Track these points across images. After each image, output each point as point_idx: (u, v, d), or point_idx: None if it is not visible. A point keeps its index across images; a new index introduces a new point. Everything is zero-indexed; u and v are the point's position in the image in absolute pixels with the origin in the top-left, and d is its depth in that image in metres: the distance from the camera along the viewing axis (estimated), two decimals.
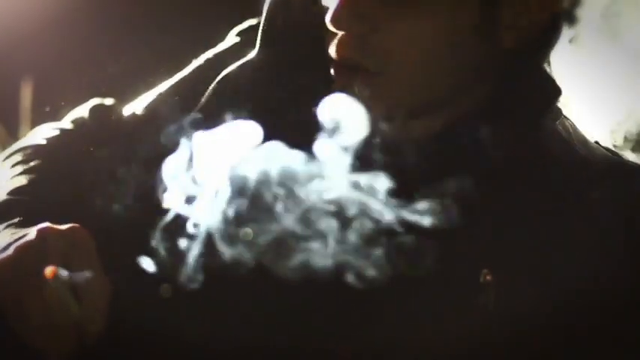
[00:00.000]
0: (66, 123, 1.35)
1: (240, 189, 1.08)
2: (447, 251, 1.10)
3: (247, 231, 1.09)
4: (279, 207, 1.08)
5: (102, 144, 1.29)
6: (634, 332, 1.17)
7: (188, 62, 1.35)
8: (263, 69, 1.24)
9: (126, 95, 1.37)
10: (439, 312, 1.14)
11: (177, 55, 1.37)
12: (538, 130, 1.20)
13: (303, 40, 1.19)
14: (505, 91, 1.19)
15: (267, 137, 1.09)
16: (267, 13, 1.26)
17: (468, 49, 1.15)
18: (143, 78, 1.38)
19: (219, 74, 1.27)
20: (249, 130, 1.09)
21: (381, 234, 1.07)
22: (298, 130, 1.08)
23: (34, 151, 1.30)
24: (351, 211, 1.07)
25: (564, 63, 1.22)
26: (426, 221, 1.07)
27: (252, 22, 1.34)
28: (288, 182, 1.07)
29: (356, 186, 1.07)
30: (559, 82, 1.22)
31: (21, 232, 1.13)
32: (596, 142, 1.27)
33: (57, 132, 1.34)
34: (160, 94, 1.32)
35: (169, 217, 1.10)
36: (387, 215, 1.06)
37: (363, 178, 1.07)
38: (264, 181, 1.08)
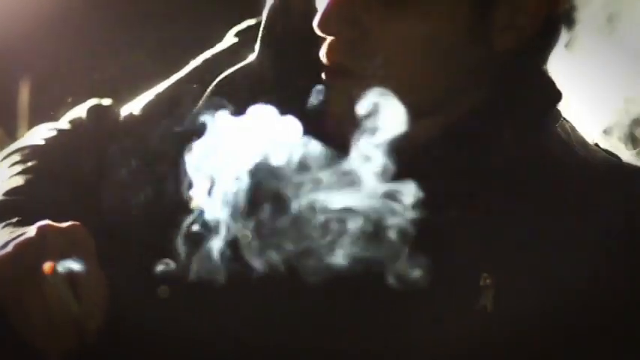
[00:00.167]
0: (63, 123, 1.35)
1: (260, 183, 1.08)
2: (447, 252, 1.10)
3: (245, 233, 1.10)
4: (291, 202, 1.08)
5: (100, 144, 1.29)
6: (634, 333, 1.16)
7: (186, 63, 1.35)
8: (262, 73, 1.24)
9: (124, 95, 1.37)
10: (440, 313, 1.14)
11: (176, 56, 1.37)
12: (538, 132, 1.20)
13: (302, 46, 1.19)
14: (503, 94, 1.19)
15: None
16: (266, 19, 1.25)
17: (460, 53, 1.15)
18: (141, 78, 1.38)
19: (217, 75, 1.26)
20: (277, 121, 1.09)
21: (383, 234, 1.07)
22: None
23: (32, 152, 1.30)
24: (360, 213, 1.07)
25: (560, 61, 1.21)
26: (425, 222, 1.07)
27: (251, 22, 1.34)
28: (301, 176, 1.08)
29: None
30: (557, 80, 1.22)
31: (20, 230, 1.13)
32: (596, 144, 1.27)
33: (55, 132, 1.34)
34: (158, 95, 1.32)
35: (193, 214, 1.10)
36: (390, 217, 1.06)
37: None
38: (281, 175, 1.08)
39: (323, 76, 1.17)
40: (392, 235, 1.06)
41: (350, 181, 1.06)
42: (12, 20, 2.30)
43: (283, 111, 1.09)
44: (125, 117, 1.32)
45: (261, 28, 1.25)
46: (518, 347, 1.14)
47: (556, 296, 1.14)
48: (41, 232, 1.10)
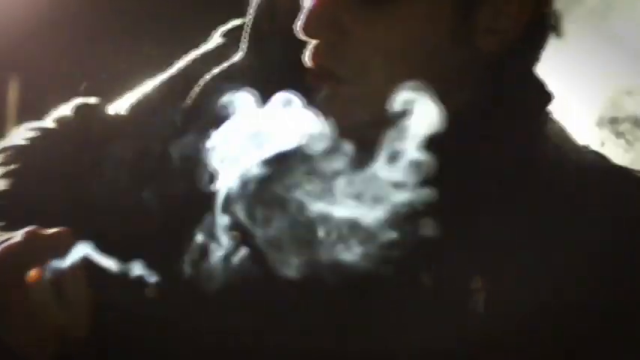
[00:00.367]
0: (49, 122, 1.34)
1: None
2: (439, 256, 1.10)
3: (234, 233, 1.10)
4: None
5: (87, 143, 1.28)
6: (624, 336, 1.16)
7: (173, 62, 1.34)
8: (248, 72, 1.23)
9: (112, 95, 1.36)
10: (433, 315, 1.14)
11: (163, 56, 1.36)
12: (527, 134, 1.19)
13: (288, 45, 1.18)
14: (491, 96, 1.18)
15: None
16: (253, 18, 1.25)
17: (444, 55, 1.14)
18: (129, 77, 1.37)
19: (203, 75, 1.26)
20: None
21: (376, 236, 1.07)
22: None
23: (16, 153, 1.30)
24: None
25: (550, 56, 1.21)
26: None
27: (237, 22, 1.33)
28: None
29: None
30: (547, 79, 1.21)
31: (5, 235, 1.12)
32: (585, 146, 1.26)
33: (40, 132, 1.32)
34: (145, 95, 1.32)
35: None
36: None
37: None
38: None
39: (308, 78, 1.16)
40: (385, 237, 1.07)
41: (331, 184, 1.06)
42: (1, 20, 2.29)
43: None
44: (112, 116, 1.32)
45: (246, 28, 1.24)
46: (510, 349, 1.14)
47: (547, 299, 1.14)
48: (28, 237, 1.09)
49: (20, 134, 1.34)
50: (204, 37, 1.36)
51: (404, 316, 1.14)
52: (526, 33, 1.16)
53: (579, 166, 1.21)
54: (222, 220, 1.09)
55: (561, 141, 1.23)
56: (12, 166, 1.27)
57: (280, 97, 1.09)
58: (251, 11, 1.25)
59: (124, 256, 1.12)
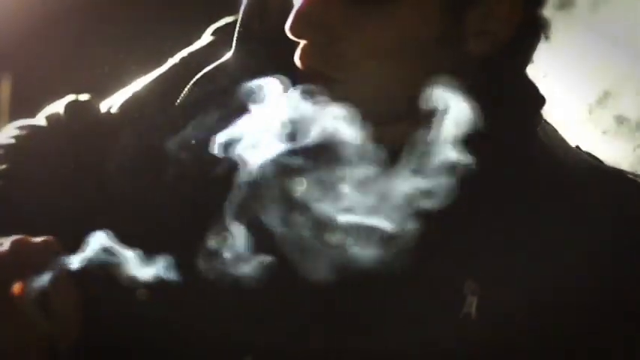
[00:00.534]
0: (40, 120, 1.34)
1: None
2: (430, 259, 1.10)
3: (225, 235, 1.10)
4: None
5: (77, 141, 1.28)
6: (619, 339, 1.17)
7: (165, 60, 1.34)
8: (239, 71, 1.23)
9: (103, 92, 1.36)
10: (425, 319, 1.14)
11: (155, 53, 1.36)
12: (521, 135, 1.19)
13: (279, 43, 1.17)
14: (484, 98, 1.18)
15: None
16: (243, 16, 1.24)
17: (435, 56, 1.13)
18: (121, 75, 1.37)
19: (195, 73, 1.26)
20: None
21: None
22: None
23: (5, 153, 1.28)
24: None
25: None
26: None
27: (229, 19, 1.33)
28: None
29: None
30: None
31: None
32: (577, 147, 1.26)
33: (29, 130, 1.32)
34: (136, 93, 1.31)
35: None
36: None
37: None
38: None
39: (298, 79, 1.15)
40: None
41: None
42: None
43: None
44: (104, 114, 1.31)
45: (237, 26, 1.24)
46: (508, 351, 1.14)
47: (539, 301, 1.13)
48: (13, 247, 1.08)
49: (8, 132, 1.33)
50: (198, 34, 1.36)
51: (404, 317, 1.14)
52: (517, 34, 1.15)
53: (572, 168, 1.21)
54: (238, 216, 1.10)
55: (554, 142, 1.23)
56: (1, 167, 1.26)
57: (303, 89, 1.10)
58: (241, 10, 1.25)
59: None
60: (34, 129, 1.32)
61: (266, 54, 1.22)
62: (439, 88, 1.11)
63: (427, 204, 1.07)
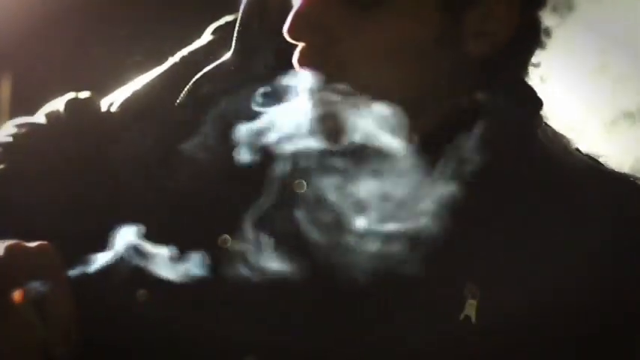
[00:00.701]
0: (39, 117, 1.33)
1: None
2: (430, 261, 1.09)
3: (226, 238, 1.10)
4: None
5: (77, 139, 1.28)
6: (618, 339, 1.17)
7: (165, 59, 1.34)
8: (238, 70, 1.23)
9: (104, 90, 1.36)
10: (425, 321, 1.14)
11: (155, 53, 1.36)
12: (519, 138, 1.19)
13: (278, 43, 1.17)
14: (484, 99, 1.18)
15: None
16: (242, 16, 1.24)
17: (434, 58, 1.13)
18: (121, 74, 1.37)
19: (195, 72, 1.26)
20: None
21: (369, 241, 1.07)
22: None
23: (3, 151, 1.28)
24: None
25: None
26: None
27: (229, 18, 1.33)
28: None
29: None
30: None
31: None
32: (577, 149, 1.26)
33: (28, 128, 1.31)
34: (136, 91, 1.31)
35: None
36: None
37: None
38: None
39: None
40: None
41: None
42: None
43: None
44: (104, 112, 1.31)
45: (237, 25, 1.24)
46: (504, 356, 1.14)
47: (541, 304, 1.13)
48: (8, 253, 1.08)
49: (7, 130, 1.32)
50: (198, 32, 1.36)
51: (404, 319, 1.14)
52: (517, 35, 1.15)
53: (572, 170, 1.21)
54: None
55: (555, 144, 1.23)
56: None
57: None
58: (241, 9, 1.25)
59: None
60: (34, 127, 1.31)
61: (266, 53, 1.22)
62: (438, 89, 1.11)
63: (432, 206, 1.07)
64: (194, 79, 1.25)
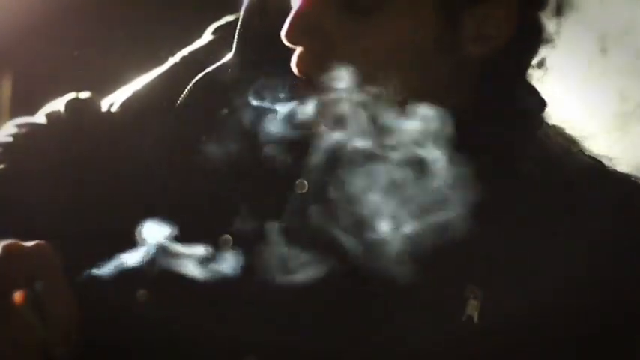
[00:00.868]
0: (40, 118, 1.33)
1: None
2: (430, 263, 1.09)
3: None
4: None
5: (78, 139, 1.28)
6: (619, 339, 1.17)
7: (165, 60, 1.34)
8: (239, 72, 1.23)
9: (105, 90, 1.36)
10: (426, 322, 1.14)
11: (155, 53, 1.36)
12: (520, 139, 1.19)
13: (278, 44, 1.17)
14: (485, 100, 1.18)
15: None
16: (243, 17, 1.24)
17: (433, 63, 1.13)
18: (121, 75, 1.37)
19: (195, 72, 1.26)
20: None
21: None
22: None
23: (3, 151, 1.27)
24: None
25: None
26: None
27: (230, 18, 1.33)
28: None
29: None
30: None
31: None
32: (579, 150, 1.26)
33: (29, 128, 1.31)
34: (137, 91, 1.31)
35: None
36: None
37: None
38: None
39: (296, 85, 1.15)
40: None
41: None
42: None
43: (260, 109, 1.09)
44: (105, 113, 1.31)
45: (238, 25, 1.24)
46: (505, 357, 1.14)
47: (542, 305, 1.13)
48: (5, 253, 1.07)
49: (8, 130, 1.31)
50: (199, 34, 1.36)
51: (405, 320, 1.14)
52: (517, 36, 1.15)
53: (573, 170, 1.21)
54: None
55: (556, 145, 1.23)
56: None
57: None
58: (242, 10, 1.25)
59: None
60: (34, 127, 1.31)
61: (267, 53, 1.22)
62: (437, 92, 1.11)
63: (435, 208, 1.07)
64: (195, 80, 1.25)
